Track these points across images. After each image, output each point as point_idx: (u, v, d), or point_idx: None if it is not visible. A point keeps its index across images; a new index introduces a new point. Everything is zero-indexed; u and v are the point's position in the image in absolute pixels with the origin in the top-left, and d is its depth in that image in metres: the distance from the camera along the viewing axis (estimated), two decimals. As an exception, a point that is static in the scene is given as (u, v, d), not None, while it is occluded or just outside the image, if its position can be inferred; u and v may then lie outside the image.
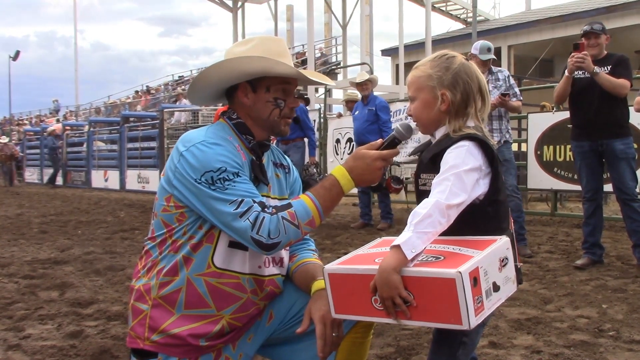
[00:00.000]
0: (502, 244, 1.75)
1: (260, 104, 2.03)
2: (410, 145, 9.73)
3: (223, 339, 1.99)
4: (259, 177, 1.99)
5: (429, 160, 1.87)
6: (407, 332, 3.26)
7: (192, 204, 1.89)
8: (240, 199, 1.83)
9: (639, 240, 4.86)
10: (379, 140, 1.96)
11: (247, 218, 1.81)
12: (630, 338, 3.19)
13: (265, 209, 1.84)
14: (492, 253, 1.69)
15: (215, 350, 1.99)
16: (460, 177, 1.73)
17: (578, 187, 5.68)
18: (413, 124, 1.96)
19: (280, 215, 1.83)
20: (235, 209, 1.82)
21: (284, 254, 2.13)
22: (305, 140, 8.65)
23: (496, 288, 1.69)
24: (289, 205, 1.87)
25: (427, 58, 1.94)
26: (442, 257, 1.68)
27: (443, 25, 46.48)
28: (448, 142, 1.83)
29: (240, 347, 2.06)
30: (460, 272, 1.55)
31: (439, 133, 1.91)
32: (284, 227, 1.83)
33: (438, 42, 22.02)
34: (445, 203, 1.69)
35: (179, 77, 34.87)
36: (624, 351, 3.01)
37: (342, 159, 11.03)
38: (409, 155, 9.10)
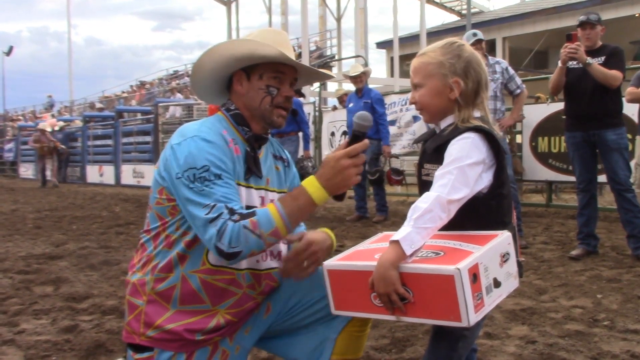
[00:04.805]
0: (503, 239, 1.73)
1: (253, 92, 2.00)
2: (406, 137, 9.76)
3: (219, 332, 1.99)
4: (252, 169, 1.98)
5: (434, 151, 1.84)
6: (402, 324, 3.26)
7: (174, 196, 1.89)
8: (213, 204, 1.78)
9: (633, 231, 4.87)
10: (344, 142, 1.87)
11: (215, 225, 1.76)
12: (624, 327, 3.20)
13: (232, 216, 1.78)
14: (493, 248, 1.67)
15: (212, 343, 1.99)
16: (464, 171, 1.71)
17: (573, 178, 5.69)
18: (370, 116, 1.84)
19: (242, 223, 1.76)
20: (207, 214, 1.77)
21: (282, 247, 2.11)
22: (300, 134, 8.65)
23: (497, 284, 1.67)
24: (253, 214, 1.79)
25: (435, 45, 1.89)
26: (442, 253, 1.66)
27: (438, 18, 46.41)
28: (454, 133, 1.80)
29: (237, 340, 2.05)
30: (459, 269, 1.53)
31: (444, 123, 1.88)
32: (245, 237, 1.76)
33: (433, 35, 21.98)
34: (446, 198, 1.66)
35: (174, 71, 34.75)
36: (618, 341, 3.02)
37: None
38: (413, 144, 9.11)
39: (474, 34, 5.80)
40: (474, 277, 1.57)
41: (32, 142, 17.53)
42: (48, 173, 17.35)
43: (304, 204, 1.81)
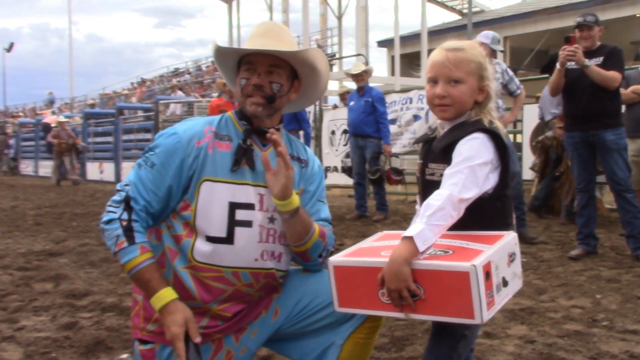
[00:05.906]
0: (510, 239, 1.74)
1: (237, 88, 2.06)
2: (407, 136, 9.75)
3: (216, 328, 2.00)
4: (239, 160, 1.98)
5: (441, 151, 1.84)
6: (402, 323, 3.27)
7: None
8: (127, 184, 1.95)
9: (632, 231, 4.88)
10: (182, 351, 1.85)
11: (116, 196, 1.95)
12: (623, 328, 3.21)
13: (123, 214, 1.90)
14: (502, 248, 1.69)
15: (216, 341, 2.00)
16: (474, 170, 1.72)
17: (572, 178, 5.69)
18: None
19: (118, 233, 1.87)
20: (122, 186, 1.96)
21: (283, 249, 2.09)
22: (301, 132, 8.65)
23: (505, 283, 1.69)
24: (131, 240, 1.87)
25: (470, 43, 1.91)
26: (451, 252, 1.66)
27: (439, 17, 46.37)
28: (461, 132, 1.81)
29: (243, 342, 2.06)
30: (474, 266, 1.53)
31: (454, 122, 1.89)
32: (110, 236, 1.88)
33: (434, 34, 21.97)
34: (458, 196, 1.67)
35: (175, 69, 34.80)
36: (617, 341, 3.02)
37: (337, 150, 11.00)
38: (413, 144, 9.09)
39: (499, 40, 5.88)
40: (487, 275, 1.57)
41: (51, 137, 17.00)
42: (66, 168, 16.73)
43: (147, 290, 1.88)
